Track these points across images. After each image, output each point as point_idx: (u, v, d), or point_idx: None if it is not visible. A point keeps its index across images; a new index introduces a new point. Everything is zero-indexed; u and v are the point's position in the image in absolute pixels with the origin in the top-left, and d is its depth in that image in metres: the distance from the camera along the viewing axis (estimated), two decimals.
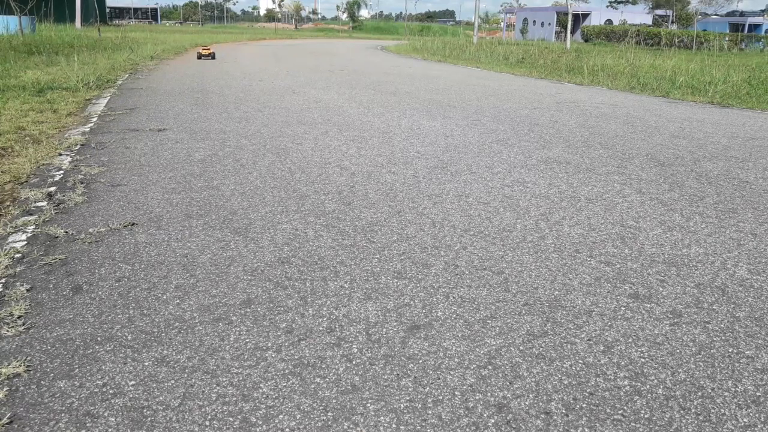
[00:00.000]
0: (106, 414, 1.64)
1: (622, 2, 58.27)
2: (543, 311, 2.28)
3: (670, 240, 3.11)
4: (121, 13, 79.48)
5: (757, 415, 1.71)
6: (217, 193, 3.69)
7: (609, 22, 45.97)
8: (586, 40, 37.22)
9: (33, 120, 5.81)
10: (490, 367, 1.90)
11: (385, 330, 2.11)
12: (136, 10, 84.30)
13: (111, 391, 1.74)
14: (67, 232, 2.96)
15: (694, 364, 1.96)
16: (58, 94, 7.60)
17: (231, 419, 1.64)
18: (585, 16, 44.28)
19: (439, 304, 2.32)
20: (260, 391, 1.76)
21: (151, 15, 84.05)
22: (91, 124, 5.87)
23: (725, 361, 1.98)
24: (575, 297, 2.41)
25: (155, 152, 4.75)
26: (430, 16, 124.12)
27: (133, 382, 1.78)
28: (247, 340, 2.02)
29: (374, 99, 8.57)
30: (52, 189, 3.67)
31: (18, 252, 2.70)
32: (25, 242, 2.82)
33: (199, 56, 16.36)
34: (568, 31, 26.66)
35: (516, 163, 4.73)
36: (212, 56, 16.37)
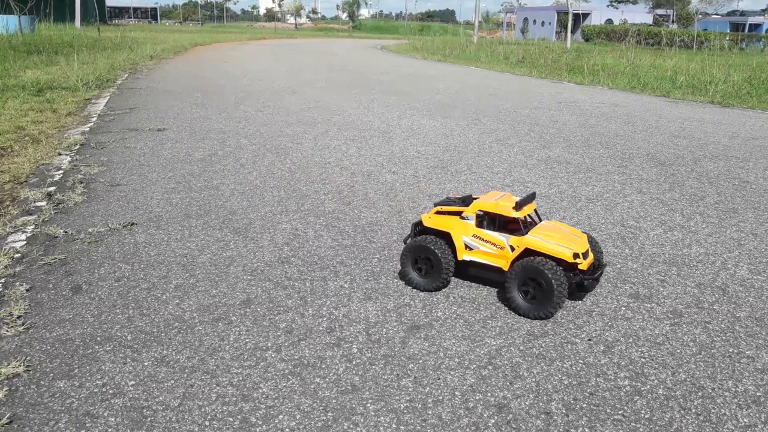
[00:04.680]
0: (105, 414, 1.64)
1: (622, 2, 58.26)
2: None
3: (670, 240, 3.10)
4: (120, 12, 79.45)
5: (757, 415, 1.71)
6: (217, 193, 3.69)
7: (609, 21, 45.95)
8: (586, 40, 37.20)
9: (32, 120, 5.80)
10: (490, 367, 1.90)
11: (385, 330, 2.11)
12: (135, 9, 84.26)
13: (111, 391, 1.73)
14: (66, 231, 2.95)
15: (695, 364, 1.95)
16: (57, 93, 7.60)
17: (231, 419, 1.63)
18: (585, 15, 44.25)
19: (439, 304, 2.31)
20: (260, 391, 1.76)
21: (150, 15, 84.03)
22: (91, 124, 5.86)
23: (726, 361, 1.98)
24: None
25: (155, 152, 4.75)
26: (430, 16, 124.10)
27: (132, 382, 1.78)
28: (247, 340, 2.02)
29: (374, 98, 8.57)
30: (52, 189, 3.66)
31: (17, 252, 2.69)
32: (25, 242, 2.82)
33: None
34: (569, 31, 26.64)
35: (516, 163, 4.72)
36: None
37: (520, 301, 2.23)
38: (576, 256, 2.21)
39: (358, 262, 2.69)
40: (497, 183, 4.09)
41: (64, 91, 7.83)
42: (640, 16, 49.52)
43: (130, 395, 1.72)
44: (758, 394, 1.81)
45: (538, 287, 2.18)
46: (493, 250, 2.35)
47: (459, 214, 2.42)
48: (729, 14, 53.05)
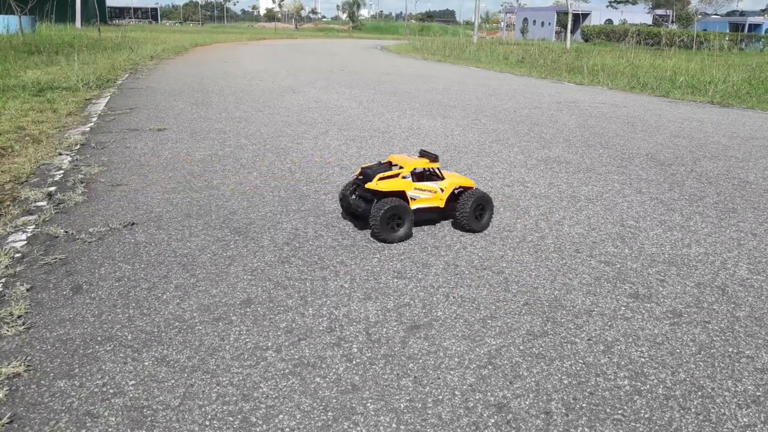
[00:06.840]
0: (106, 414, 1.64)
1: (622, 2, 58.24)
2: (543, 311, 2.28)
3: (670, 240, 3.11)
4: (121, 12, 79.46)
5: (757, 415, 1.71)
6: (217, 193, 3.69)
7: (609, 21, 46.00)
8: (586, 40, 37.21)
9: (33, 120, 5.81)
10: (490, 367, 1.90)
11: (385, 330, 2.11)
12: (136, 9, 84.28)
13: (111, 391, 1.74)
14: (67, 231, 2.95)
15: (694, 364, 1.96)
16: (58, 93, 7.60)
17: (231, 419, 1.64)
18: (585, 15, 44.28)
19: (439, 303, 2.32)
20: (260, 390, 1.76)
21: (151, 15, 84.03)
22: (91, 124, 5.86)
23: (725, 360, 1.98)
24: (575, 297, 2.41)
25: (155, 152, 4.75)
26: (430, 16, 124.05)
27: (133, 382, 1.78)
28: (247, 340, 2.02)
29: (374, 99, 8.57)
30: (52, 189, 3.66)
31: (18, 252, 2.69)
32: (25, 242, 2.82)
33: None
34: (568, 31, 26.66)
35: (516, 163, 4.72)
36: None
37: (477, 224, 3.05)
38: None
39: (358, 262, 2.69)
40: (497, 182, 4.09)
41: (65, 91, 7.83)
42: (639, 16, 49.56)
43: (131, 395, 1.72)
44: (758, 393, 1.81)
45: (482, 210, 3.06)
46: (430, 195, 3.02)
47: (397, 176, 2.94)
48: (728, 14, 53.08)
